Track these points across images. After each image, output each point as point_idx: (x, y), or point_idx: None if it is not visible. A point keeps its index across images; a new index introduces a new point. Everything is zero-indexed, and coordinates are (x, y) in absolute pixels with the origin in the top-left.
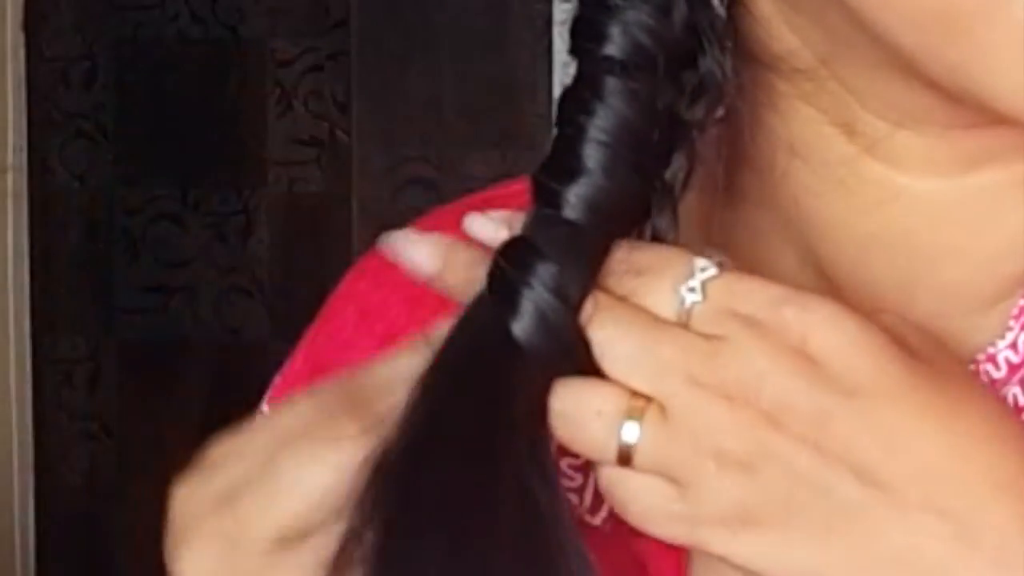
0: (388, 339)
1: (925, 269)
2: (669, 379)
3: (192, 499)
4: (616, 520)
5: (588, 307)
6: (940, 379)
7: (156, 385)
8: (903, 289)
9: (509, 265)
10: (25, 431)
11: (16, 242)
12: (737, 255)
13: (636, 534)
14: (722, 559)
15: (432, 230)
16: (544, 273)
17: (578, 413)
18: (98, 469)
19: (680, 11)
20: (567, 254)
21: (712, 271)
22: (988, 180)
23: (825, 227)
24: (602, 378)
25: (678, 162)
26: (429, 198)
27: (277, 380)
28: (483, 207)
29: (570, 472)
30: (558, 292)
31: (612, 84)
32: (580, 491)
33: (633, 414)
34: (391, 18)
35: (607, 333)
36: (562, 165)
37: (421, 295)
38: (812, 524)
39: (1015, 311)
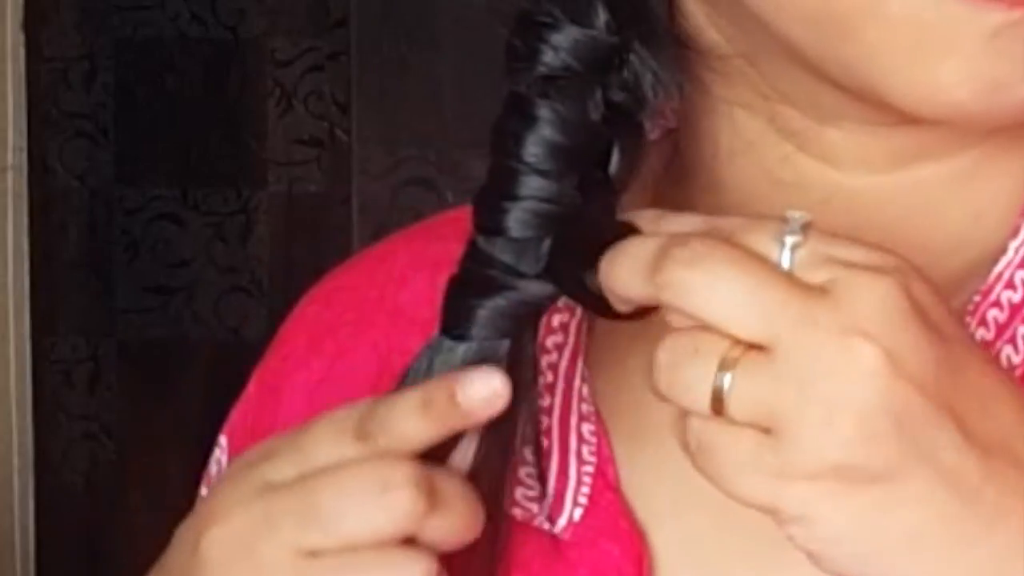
0: (337, 358)
1: None
2: (779, 320)
3: (239, 484)
4: (576, 527)
5: (682, 251)
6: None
7: (156, 385)
8: None
9: (455, 304)
10: (25, 431)
11: (16, 242)
12: None
13: (597, 542)
14: (794, 522)
15: (383, 256)
16: (487, 311)
17: (675, 357)
18: (98, 469)
19: (602, 17)
20: (507, 286)
21: (807, 219)
22: (925, 175)
23: None
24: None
25: (618, 161)
26: (429, 198)
27: (234, 411)
28: (428, 234)
29: (528, 481)
30: (503, 320)
31: (541, 107)
32: (539, 500)
33: (733, 355)
34: (391, 18)
35: (709, 274)
36: (498, 193)
37: (371, 316)
38: (916, 486)
39: (970, 307)
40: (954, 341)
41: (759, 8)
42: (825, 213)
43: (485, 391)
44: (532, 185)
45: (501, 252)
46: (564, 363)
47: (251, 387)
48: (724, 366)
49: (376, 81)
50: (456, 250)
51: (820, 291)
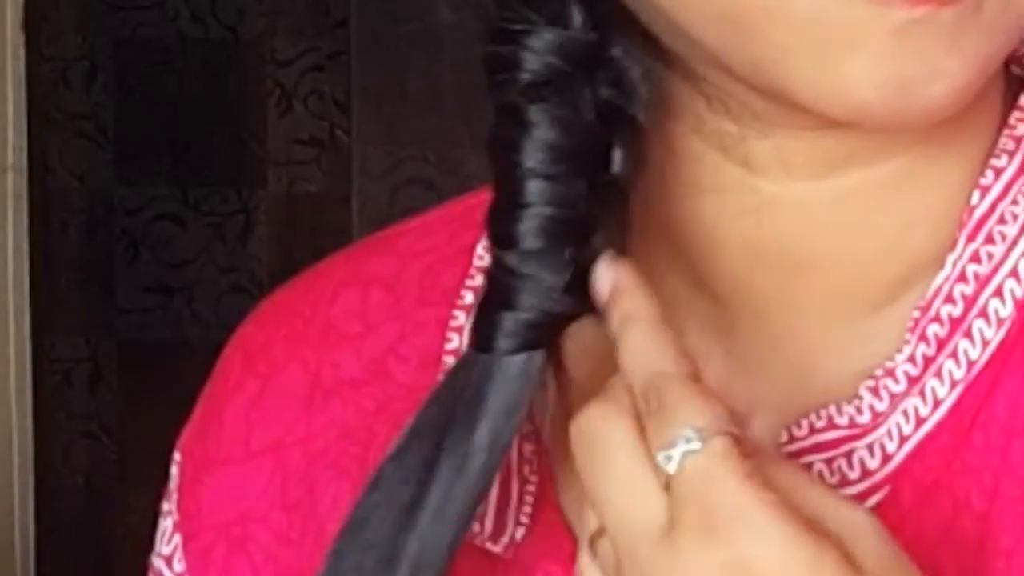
0: (269, 378)
1: (803, 276)
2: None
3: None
4: (517, 547)
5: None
6: None
7: (156, 385)
8: (785, 298)
9: (481, 318)
10: (25, 431)
11: (16, 242)
12: None
13: (538, 563)
14: None
15: (322, 274)
16: (511, 323)
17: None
18: (98, 469)
19: (577, 16)
20: (528, 298)
21: (696, 445)
22: (853, 182)
23: (701, 240)
24: None
25: (620, 159)
26: (429, 198)
27: (185, 431)
28: (368, 250)
29: None
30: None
31: (533, 111)
32: (481, 519)
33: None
34: (391, 18)
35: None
36: (507, 205)
37: (302, 333)
38: None
39: (910, 324)
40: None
41: (671, 9)
42: (756, 223)
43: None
44: (538, 190)
45: (520, 264)
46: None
47: (197, 412)
48: (591, 547)
49: (376, 81)
50: (391, 264)
51: (686, 528)
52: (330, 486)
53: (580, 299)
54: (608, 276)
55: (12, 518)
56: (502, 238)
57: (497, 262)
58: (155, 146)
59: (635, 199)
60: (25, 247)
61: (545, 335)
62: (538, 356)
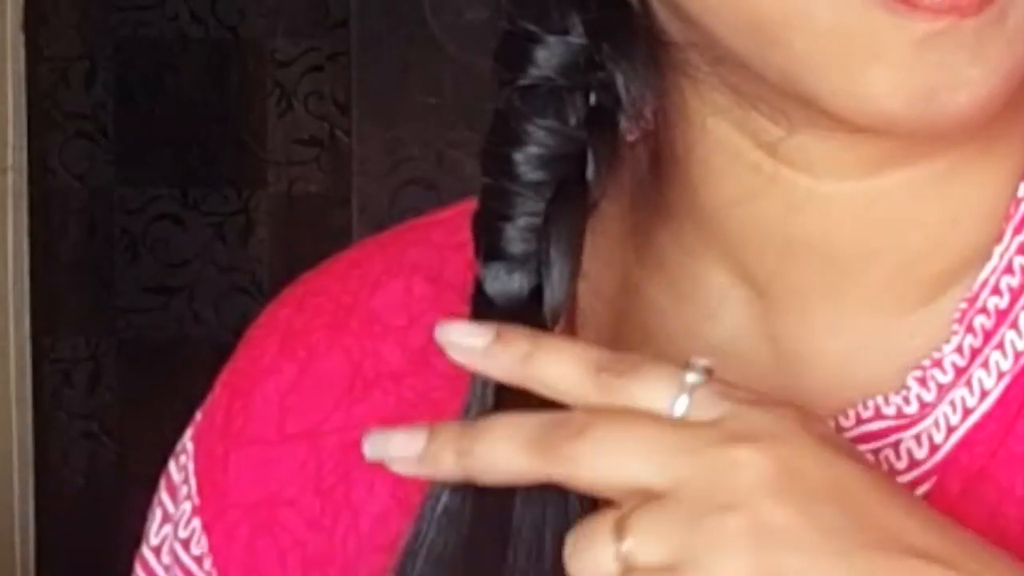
0: (308, 363)
1: (849, 272)
2: (671, 462)
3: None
4: None
5: (568, 426)
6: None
7: (156, 385)
8: (831, 294)
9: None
10: (25, 431)
11: (16, 242)
12: (670, 274)
13: None
14: None
15: (357, 261)
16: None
17: (576, 547)
18: (98, 469)
19: (578, 23)
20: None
21: (709, 364)
22: (897, 181)
23: (746, 236)
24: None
25: (594, 166)
26: (429, 198)
27: (200, 416)
28: (403, 239)
29: None
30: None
31: (528, 118)
32: None
33: (623, 517)
34: (391, 18)
35: (599, 442)
36: (494, 210)
37: (344, 321)
38: None
39: (957, 315)
40: (851, 460)
41: (700, 17)
42: (800, 220)
43: None
44: (526, 197)
45: (495, 276)
46: None
47: (218, 391)
48: (619, 532)
49: (376, 81)
50: (430, 256)
51: (709, 424)
52: (366, 474)
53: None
54: (469, 342)
55: (12, 518)
56: (491, 241)
57: (478, 283)
58: (155, 146)
59: (674, 190)
60: (25, 247)
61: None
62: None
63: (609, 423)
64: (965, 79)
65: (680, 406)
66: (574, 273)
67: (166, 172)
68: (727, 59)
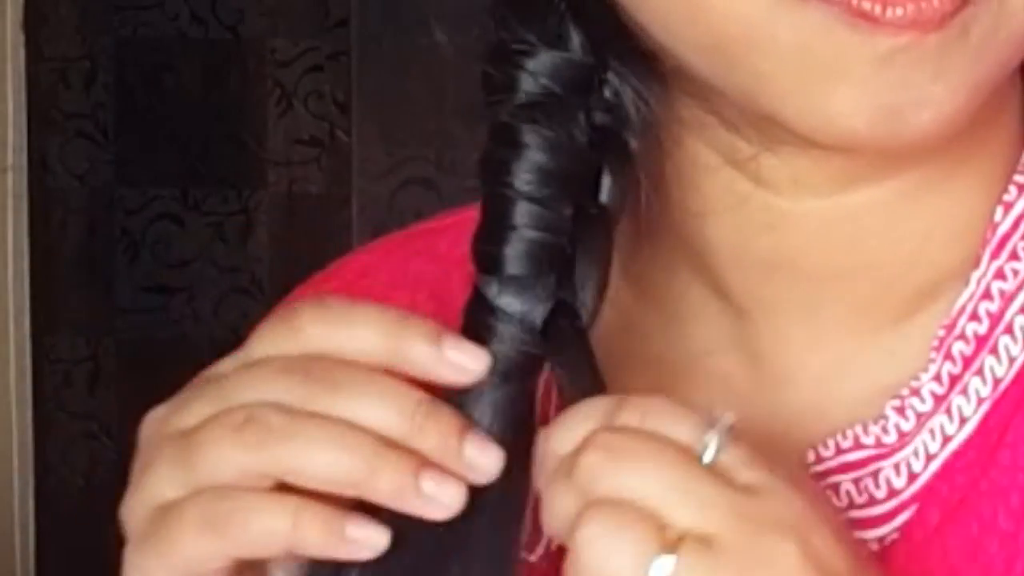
0: None
1: (824, 289)
2: (716, 513)
3: (159, 426)
4: (552, 557)
5: (606, 439)
6: None
7: (156, 385)
8: (807, 310)
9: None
10: (25, 431)
11: (16, 242)
12: (653, 292)
13: None
14: None
15: (364, 271)
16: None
17: (605, 531)
18: (98, 469)
19: (576, 39)
20: (507, 333)
21: (732, 420)
22: (868, 198)
23: (724, 254)
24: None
25: (610, 187)
26: (429, 198)
27: None
28: (406, 249)
29: None
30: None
31: (526, 134)
32: None
33: (670, 539)
34: (391, 18)
35: (637, 463)
36: (494, 227)
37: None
38: None
39: (935, 342)
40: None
41: (663, 38)
42: (773, 237)
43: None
44: (526, 213)
45: (500, 295)
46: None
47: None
48: (665, 548)
49: (376, 81)
50: (436, 269)
51: (746, 489)
52: None
53: (555, 342)
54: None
55: (12, 518)
56: (486, 262)
57: (477, 294)
58: (155, 146)
59: (666, 211)
60: (25, 247)
61: (523, 373)
62: (509, 390)
63: (643, 452)
64: (928, 96)
65: (708, 457)
66: (602, 293)
67: (166, 172)
68: (694, 79)
